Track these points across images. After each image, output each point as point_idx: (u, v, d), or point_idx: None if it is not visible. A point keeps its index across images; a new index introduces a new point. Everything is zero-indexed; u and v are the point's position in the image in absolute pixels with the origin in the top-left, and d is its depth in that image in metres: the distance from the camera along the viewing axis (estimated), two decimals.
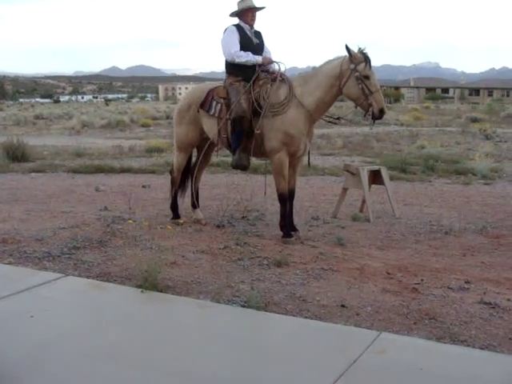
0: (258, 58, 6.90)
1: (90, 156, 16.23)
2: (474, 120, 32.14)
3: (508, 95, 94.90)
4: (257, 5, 7.09)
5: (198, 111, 7.22)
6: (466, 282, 5.32)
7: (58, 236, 6.64)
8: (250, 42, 7.04)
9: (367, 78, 6.31)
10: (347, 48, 6.40)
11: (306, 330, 4.16)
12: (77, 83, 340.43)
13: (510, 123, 32.05)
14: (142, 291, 4.80)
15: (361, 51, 6.42)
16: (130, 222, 6.76)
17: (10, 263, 5.65)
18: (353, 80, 6.37)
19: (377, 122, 6.65)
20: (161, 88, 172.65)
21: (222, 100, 7.01)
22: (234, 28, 7.03)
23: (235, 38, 6.95)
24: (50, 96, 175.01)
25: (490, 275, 5.66)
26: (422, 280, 5.35)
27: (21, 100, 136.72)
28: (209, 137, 7.27)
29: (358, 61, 6.35)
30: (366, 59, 6.35)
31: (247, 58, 6.86)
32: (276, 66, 6.98)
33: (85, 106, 79.60)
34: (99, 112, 48.20)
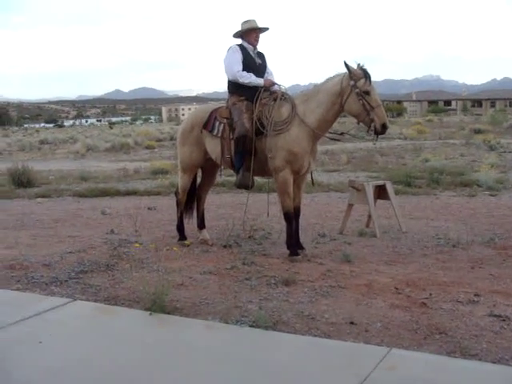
0: (260, 81, 6.95)
1: (95, 179, 16.30)
2: (478, 131, 32.14)
3: (511, 105, 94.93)
4: (260, 26, 7.16)
5: (201, 132, 7.25)
6: (475, 295, 5.28)
7: (65, 260, 6.66)
8: (253, 62, 7.09)
9: (368, 93, 6.32)
10: (346, 65, 6.42)
11: (315, 349, 4.14)
12: (80, 107, 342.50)
13: None
14: (150, 314, 4.80)
15: (360, 67, 6.44)
16: (137, 245, 6.77)
17: (18, 289, 5.66)
18: (353, 96, 6.38)
19: (380, 136, 6.64)
20: (164, 109, 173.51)
21: (224, 120, 7.04)
22: (238, 47, 7.08)
23: (238, 57, 7.00)
24: (54, 121, 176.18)
25: (499, 287, 5.62)
26: (431, 294, 5.32)
27: (25, 125, 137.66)
28: (212, 157, 7.30)
29: (357, 77, 6.38)
30: (366, 75, 6.37)
31: (250, 79, 6.90)
32: (277, 87, 7.03)
33: (89, 129, 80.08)
34: (103, 135, 48.46)
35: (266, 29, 7.24)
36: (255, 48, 7.19)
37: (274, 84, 7.04)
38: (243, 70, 6.93)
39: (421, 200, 11.42)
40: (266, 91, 6.97)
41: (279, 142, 6.63)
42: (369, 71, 6.41)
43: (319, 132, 6.72)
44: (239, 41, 7.21)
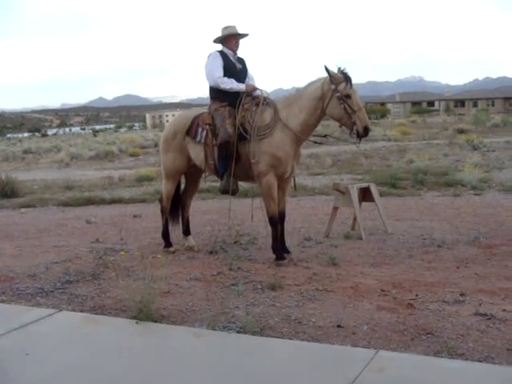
0: (242, 86, 6.96)
1: (79, 188, 16.22)
2: (461, 131, 32.29)
3: (493, 105, 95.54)
4: (240, 32, 7.18)
5: (184, 138, 7.24)
6: (460, 295, 5.32)
7: (50, 271, 6.62)
8: (234, 67, 7.09)
9: (349, 97, 6.34)
10: (326, 69, 6.45)
11: (302, 353, 4.14)
12: (64, 116, 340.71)
13: (497, 132, 32.27)
14: (136, 322, 4.78)
15: (341, 71, 6.46)
16: (123, 253, 6.75)
17: (2, 301, 5.62)
18: (335, 100, 6.40)
19: (363, 139, 6.64)
20: (148, 116, 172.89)
21: (207, 126, 7.03)
22: (218, 54, 7.10)
23: (219, 63, 7.01)
24: (37, 130, 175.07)
25: (484, 286, 5.66)
26: (417, 295, 5.35)
27: (8, 135, 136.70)
28: (196, 163, 7.29)
29: (338, 81, 6.39)
30: (346, 78, 6.38)
31: (231, 85, 6.91)
32: (259, 92, 7.04)
33: (73, 138, 79.60)
34: (87, 143, 48.24)
35: (246, 35, 7.26)
36: (235, 53, 7.20)
37: (255, 89, 7.05)
38: (224, 75, 6.94)
39: (406, 201, 11.46)
40: (248, 96, 6.98)
41: (263, 146, 6.63)
42: (349, 74, 6.42)
43: (302, 136, 6.74)
44: (219, 46, 7.22)
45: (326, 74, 6.52)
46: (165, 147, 7.54)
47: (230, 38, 7.13)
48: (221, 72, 6.94)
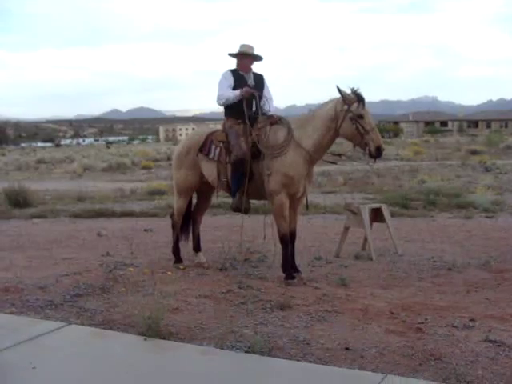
0: (236, 92, 6.98)
1: (91, 200, 16.27)
2: (474, 152, 32.29)
3: (506, 126, 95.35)
4: (254, 53, 7.21)
5: (197, 155, 7.27)
6: (470, 320, 5.27)
7: (60, 283, 6.64)
8: (245, 83, 7.10)
9: (361, 117, 6.34)
10: (339, 89, 6.45)
11: (310, 375, 4.12)
12: (78, 127, 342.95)
13: (510, 154, 32.17)
14: (145, 339, 4.77)
15: (353, 91, 6.47)
16: (131, 269, 6.78)
17: (12, 312, 5.63)
18: (347, 121, 6.40)
19: (377, 158, 6.58)
20: (161, 129, 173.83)
21: (221, 144, 7.06)
22: (230, 73, 7.16)
23: (228, 83, 7.07)
24: (51, 140, 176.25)
25: (494, 312, 5.61)
26: (426, 319, 5.31)
27: (22, 145, 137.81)
28: (208, 181, 7.31)
29: (350, 101, 6.40)
30: (359, 99, 6.38)
31: (227, 97, 7.00)
32: (265, 105, 7.07)
33: (86, 149, 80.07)
34: (100, 155, 48.53)
35: (260, 57, 7.28)
36: (250, 69, 7.24)
37: (251, 92, 7.01)
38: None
39: (417, 222, 11.43)
40: (262, 115, 7.00)
41: (275, 165, 6.64)
42: (362, 95, 6.43)
43: (315, 156, 6.74)
44: (234, 62, 7.29)
45: (338, 95, 6.54)
46: (177, 164, 7.57)
47: (242, 56, 7.17)
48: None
